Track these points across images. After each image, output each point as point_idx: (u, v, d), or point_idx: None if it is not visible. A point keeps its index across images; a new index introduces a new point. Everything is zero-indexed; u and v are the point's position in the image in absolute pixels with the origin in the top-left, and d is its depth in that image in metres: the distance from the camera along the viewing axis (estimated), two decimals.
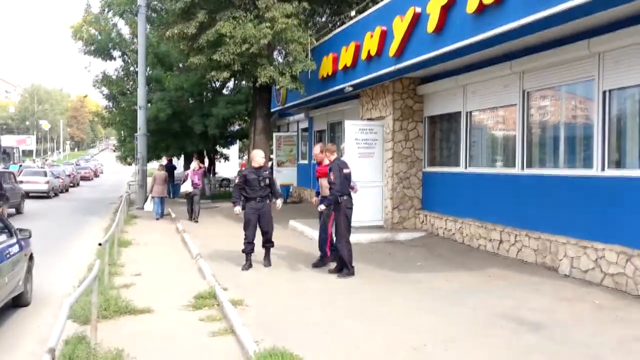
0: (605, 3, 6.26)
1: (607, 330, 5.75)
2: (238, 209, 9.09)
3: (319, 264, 9.15)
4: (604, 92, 7.77)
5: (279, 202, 9.43)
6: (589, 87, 8.14)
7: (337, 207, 8.50)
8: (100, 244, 8.53)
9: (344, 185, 8.46)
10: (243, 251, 9.16)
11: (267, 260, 9.28)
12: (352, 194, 8.82)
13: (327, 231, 8.97)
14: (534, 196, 9.05)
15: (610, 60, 7.64)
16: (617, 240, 7.36)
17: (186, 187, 16.41)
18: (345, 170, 8.51)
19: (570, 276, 7.99)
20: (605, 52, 7.68)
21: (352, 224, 11.77)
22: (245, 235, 9.14)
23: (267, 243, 9.32)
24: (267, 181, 9.18)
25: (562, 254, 8.23)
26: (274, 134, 22.83)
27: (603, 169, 7.78)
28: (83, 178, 46.63)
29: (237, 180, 9.20)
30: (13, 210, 19.63)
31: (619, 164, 7.72)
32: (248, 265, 9.06)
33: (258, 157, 9.29)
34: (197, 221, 15.94)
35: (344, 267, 8.49)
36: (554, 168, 8.92)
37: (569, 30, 7.81)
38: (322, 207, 8.74)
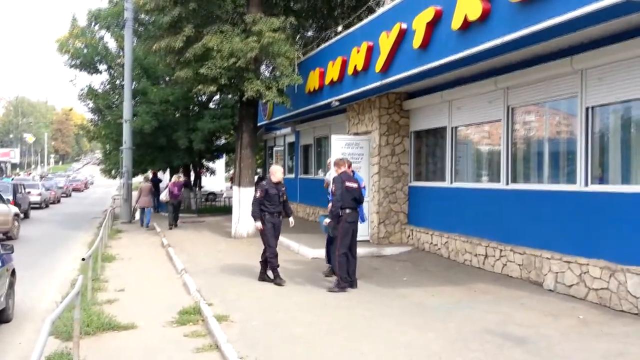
0: (587, 21, 6.36)
1: (592, 345, 5.78)
2: (259, 223, 9.03)
3: (330, 274, 9.27)
4: (587, 109, 7.89)
5: (292, 219, 9.53)
6: (572, 103, 8.25)
7: (338, 221, 8.52)
8: (83, 259, 8.44)
9: (344, 198, 8.48)
10: (271, 267, 9.04)
11: (265, 276, 9.22)
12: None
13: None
14: (519, 211, 9.12)
15: (593, 77, 7.76)
16: (601, 255, 7.42)
17: (163, 197, 18.43)
18: (347, 184, 8.57)
19: (555, 291, 8.04)
20: (588, 69, 7.80)
21: None
22: (271, 250, 9.05)
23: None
24: (285, 197, 9.27)
25: (546, 269, 8.29)
26: (274, 150, 22.95)
27: (587, 184, 7.87)
28: (75, 189, 51.61)
29: (257, 195, 9.11)
30: (22, 215, 21.14)
31: (602, 180, 7.81)
32: (280, 279, 8.97)
33: (278, 172, 9.35)
34: (175, 226, 17.87)
35: (336, 281, 8.47)
36: (538, 183, 9.00)
37: (552, 47, 7.93)
38: (327, 220, 8.83)
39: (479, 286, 8.63)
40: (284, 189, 9.31)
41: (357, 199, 8.71)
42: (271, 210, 9.09)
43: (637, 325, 6.38)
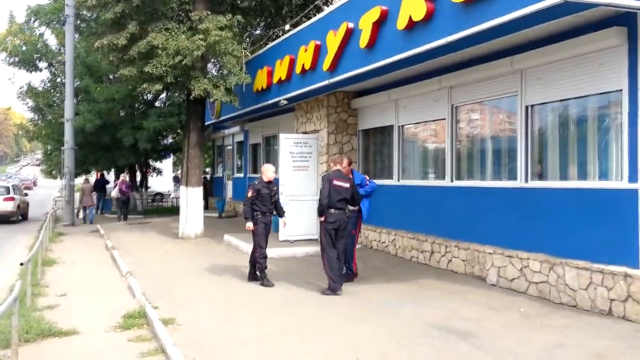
0: (527, 21, 6.55)
1: (533, 337, 5.96)
2: (251, 224, 8.86)
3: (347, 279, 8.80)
4: (527, 107, 8.14)
5: (284, 219, 9.41)
6: (512, 102, 8.49)
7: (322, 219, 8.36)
8: (22, 264, 8.13)
9: (332, 198, 8.19)
10: (259, 268, 8.86)
11: (257, 276, 9.07)
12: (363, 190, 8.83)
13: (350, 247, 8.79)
14: (463, 207, 9.33)
15: (532, 77, 8.01)
16: (541, 249, 7.68)
17: (114, 194, 21.03)
18: (336, 182, 8.26)
19: (498, 285, 8.27)
20: (527, 69, 8.05)
21: (287, 238, 11.83)
22: (261, 251, 8.89)
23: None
24: (276, 197, 9.17)
25: (489, 264, 8.51)
26: (225, 148, 22.70)
27: (526, 180, 8.12)
28: (26, 188, 54.71)
29: (249, 195, 8.91)
30: None
31: (541, 176, 8.07)
32: (267, 280, 8.79)
33: (269, 171, 9.18)
34: (125, 219, 20.32)
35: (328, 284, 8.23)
36: (481, 180, 9.23)
37: (494, 48, 8.14)
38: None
39: (425, 282, 8.78)
40: (275, 188, 9.21)
41: (347, 199, 8.36)
42: (263, 210, 8.95)
43: (575, 318, 6.62)
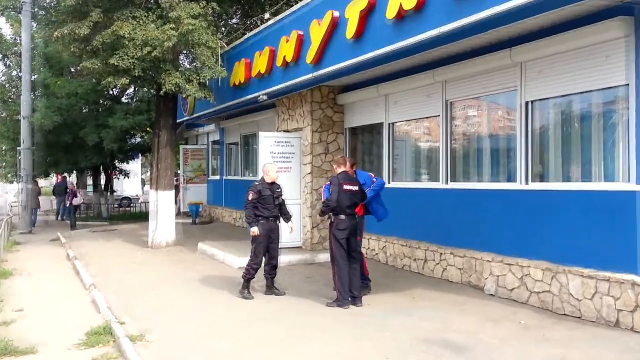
0: (525, 11, 6.62)
1: (533, 351, 6.02)
2: (255, 229, 8.75)
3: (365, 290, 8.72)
4: (527, 103, 8.23)
5: (291, 224, 9.33)
6: (511, 97, 8.58)
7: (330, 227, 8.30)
8: None
9: (342, 203, 8.11)
10: (245, 276, 8.80)
11: (273, 289, 9.00)
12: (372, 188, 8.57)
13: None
14: (459, 211, 9.40)
15: (532, 70, 8.11)
16: (543, 256, 7.76)
17: (77, 201, 21.78)
18: (346, 186, 8.15)
19: (496, 295, 8.34)
20: (528, 62, 8.15)
21: None
22: (255, 260, 8.83)
23: (273, 270, 9.08)
24: (281, 199, 9.10)
25: (487, 272, 8.58)
26: (181, 147, 22.50)
27: (527, 182, 8.21)
28: None
29: (249, 197, 8.81)
30: None
31: (542, 177, 8.17)
32: (248, 292, 8.76)
33: (272, 171, 9.12)
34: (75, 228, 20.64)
35: (336, 297, 8.17)
36: (478, 182, 9.31)
37: (491, 39, 8.23)
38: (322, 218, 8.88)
39: (418, 292, 8.83)
40: (279, 190, 9.16)
41: (357, 203, 8.32)
42: (265, 214, 8.87)
43: (579, 330, 6.70)
